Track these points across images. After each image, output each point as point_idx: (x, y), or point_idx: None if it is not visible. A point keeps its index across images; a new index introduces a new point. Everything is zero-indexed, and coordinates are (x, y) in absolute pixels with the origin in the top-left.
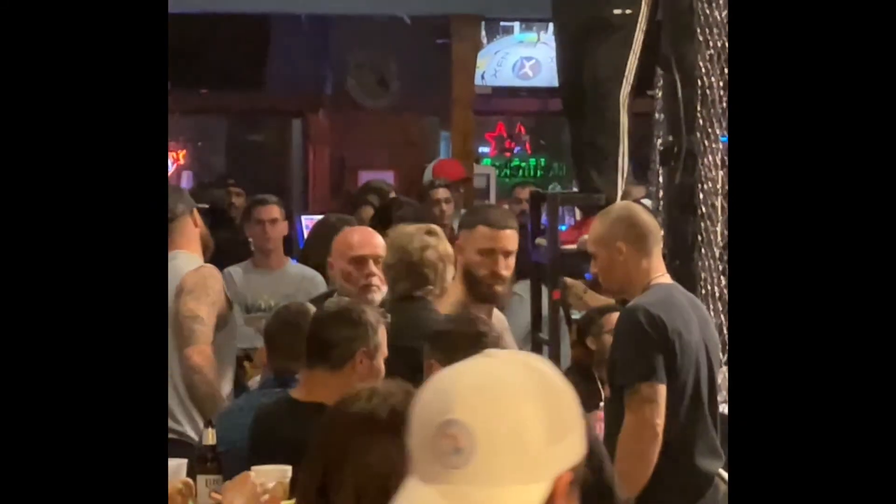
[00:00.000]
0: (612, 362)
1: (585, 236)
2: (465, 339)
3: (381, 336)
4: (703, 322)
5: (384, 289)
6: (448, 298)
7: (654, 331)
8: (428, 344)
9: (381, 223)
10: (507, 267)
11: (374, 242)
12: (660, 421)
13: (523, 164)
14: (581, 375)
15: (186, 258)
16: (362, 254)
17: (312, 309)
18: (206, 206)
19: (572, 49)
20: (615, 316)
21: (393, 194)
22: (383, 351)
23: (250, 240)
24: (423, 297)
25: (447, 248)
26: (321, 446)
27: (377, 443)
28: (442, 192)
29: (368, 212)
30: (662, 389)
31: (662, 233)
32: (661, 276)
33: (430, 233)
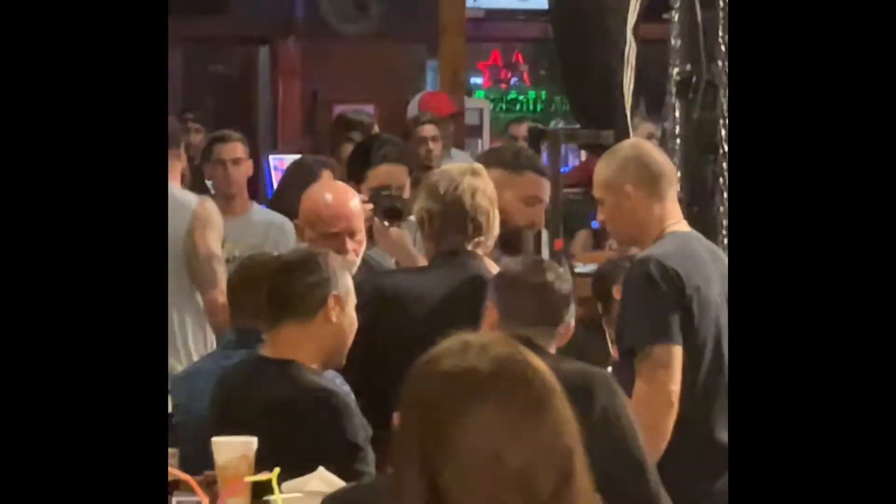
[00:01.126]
0: (620, 321)
1: None
2: (530, 288)
3: (349, 281)
4: (724, 276)
5: (359, 259)
6: None
7: (667, 285)
8: (491, 285)
9: (360, 163)
10: (541, 217)
11: (350, 213)
12: (675, 388)
13: (521, 98)
14: (590, 333)
15: (181, 192)
16: (336, 230)
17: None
18: None
19: None
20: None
21: (375, 129)
22: (353, 298)
23: (209, 182)
24: (473, 250)
25: (493, 190)
26: (419, 407)
27: (481, 401)
28: (429, 129)
29: (348, 150)
30: (678, 352)
31: (679, 174)
32: (677, 223)
33: (475, 173)
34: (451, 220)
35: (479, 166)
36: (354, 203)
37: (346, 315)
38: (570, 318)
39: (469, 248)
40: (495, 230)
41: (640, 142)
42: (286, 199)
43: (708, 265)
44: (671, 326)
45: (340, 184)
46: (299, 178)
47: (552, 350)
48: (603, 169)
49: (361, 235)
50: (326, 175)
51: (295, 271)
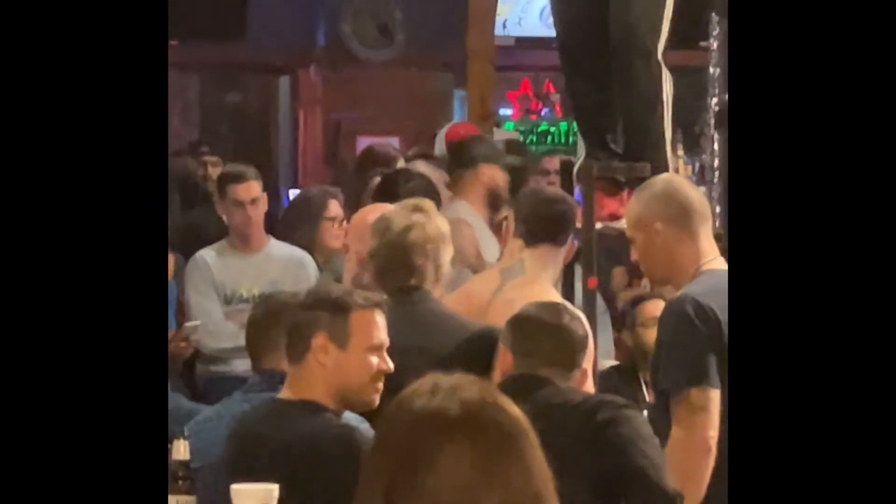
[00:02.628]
0: (655, 363)
1: None
2: (546, 330)
3: (358, 320)
4: None
5: None
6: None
7: (705, 325)
8: (506, 328)
9: (385, 198)
10: None
11: None
12: (713, 433)
13: (552, 129)
14: (622, 377)
15: None
16: None
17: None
18: None
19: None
20: (651, 305)
21: (402, 163)
22: (366, 340)
23: (224, 217)
24: (419, 287)
25: (438, 225)
26: (385, 450)
27: (449, 444)
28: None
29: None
30: (716, 395)
31: (718, 210)
32: (713, 260)
33: (416, 209)
34: (389, 260)
35: (425, 203)
36: None
37: (347, 356)
38: (586, 363)
39: (414, 284)
40: (442, 266)
41: (673, 177)
42: (294, 231)
43: None
44: (709, 368)
45: (384, 206)
46: (306, 209)
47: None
48: (634, 205)
49: None
50: (333, 205)
51: (299, 307)
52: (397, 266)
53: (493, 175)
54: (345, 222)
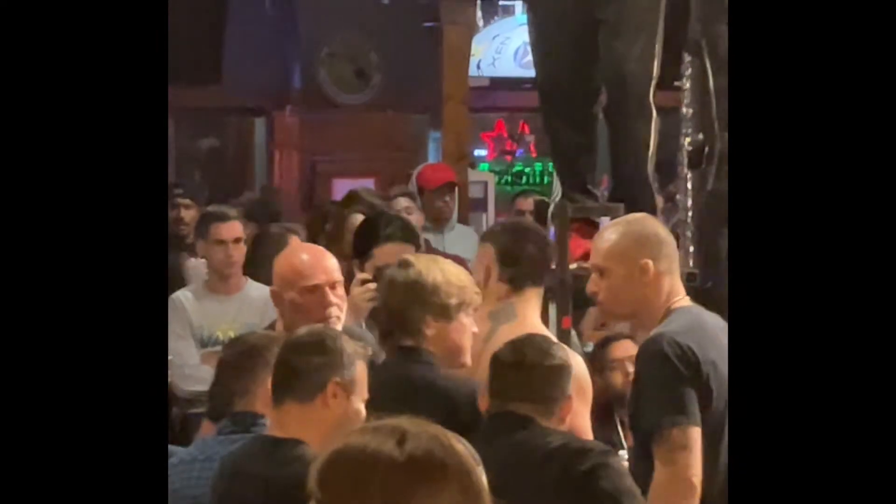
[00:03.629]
0: (634, 404)
1: None
2: (521, 364)
3: (360, 371)
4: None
5: (343, 317)
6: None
7: (683, 364)
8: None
9: (366, 240)
10: None
11: (328, 266)
12: (696, 471)
13: (527, 170)
14: (597, 419)
15: None
16: (316, 283)
17: (276, 336)
18: None
19: (576, 41)
20: (619, 346)
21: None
22: (363, 391)
23: (203, 260)
24: (416, 346)
25: (430, 275)
26: (330, 495)
27: (442, 493)
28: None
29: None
30: (697, 433)
31: (691, 249)
32: (682, 298)
33: (403, 265)
34: (384, 319)
35: (408, 258)
36: (331, 259)
37: (349, 405)
38: (567, 392)
39: (411, 345)
40: (423, 323)
41: (648, 217)
42: (258, 270)
43: (720, 339)
44: (688, 406)
45: (312, 245)
46: (269, 244)
47: (551, 425)
48: (612, 237)
49: (342, 290)
50: (294, 240)
51: (302, 348)
52: (395, 327)
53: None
54: None
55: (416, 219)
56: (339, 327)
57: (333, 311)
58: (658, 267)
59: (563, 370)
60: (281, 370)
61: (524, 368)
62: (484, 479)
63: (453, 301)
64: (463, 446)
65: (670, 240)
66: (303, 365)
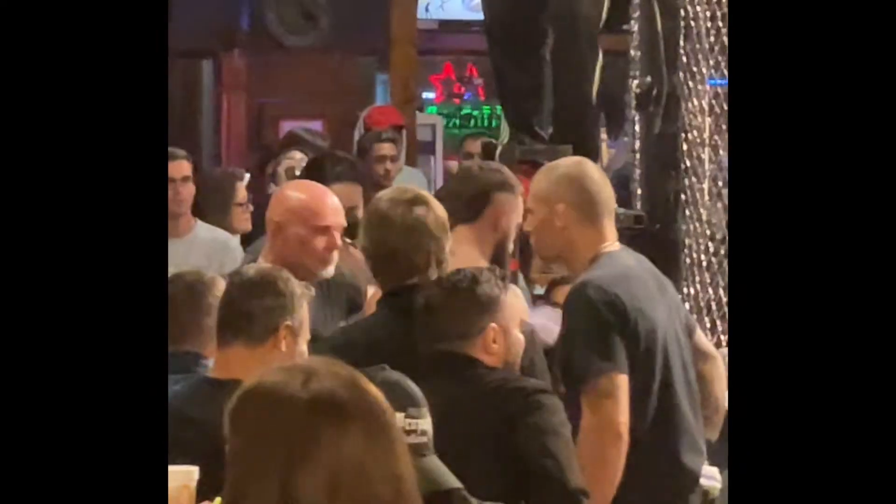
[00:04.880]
0: (562, 351)
1: None
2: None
3: (306, 312)
4: (667, 293)
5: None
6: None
7: (609, 311)
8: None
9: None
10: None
11: (339, 208)
12: (622, 418)
13: (475, 113)
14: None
15: None
16: (328, 223)
17: (214, 277)
18: None
19: None
20: (562, 290)
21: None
22: (307, 332)
23: None
24: (418, 284)
25: (439, 216)
26: (271, 438)
27: (336, 426)
28: (387, 148)
29: (292, 167)
30: (624, 381)
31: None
32: (611, 244)
33: (415, 201)
34: (389, 258)
35: (421, 193)
36: (338, 203)
37: (297, 347)
38: (496, 322)
39: (414, 283)
40: (443, 261)
41: (583, 161)
42: (206, 215)
43: (649, 285)
44: (615, 354)
45: (319, 184)
46: (214, 192)
47: (484, 359)
48: (540, 181)
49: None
50: (241, 187)
51: (254, 289)
52: (398, 264)
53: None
54: (249, 205)
55: (398, 165)
56: (332, 270)
57: (336, 254)
58: (576, 213)
59: (489, 301)
60: (230, 311)
61: (449, 305)
62: (396, 422)
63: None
64: (375, 389)
65: (597, 187)
66: (255, 306)
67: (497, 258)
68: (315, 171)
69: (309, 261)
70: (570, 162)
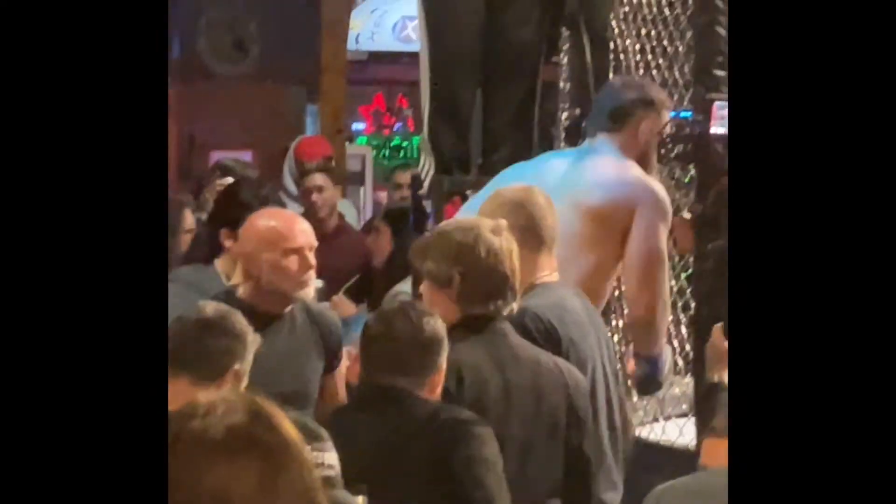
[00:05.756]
0: None
1: None
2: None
3: (251, 359)
4: (600, 333)
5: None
6: None
7: (544, 339)
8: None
9: (238, 210)
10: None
11: (307, 228)
12: None
13: (405, 144)
14: None
15: None
16: (299, 245)
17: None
18: None
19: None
20: None
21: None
22: (246, 378)
23: None
24: (499, 315)
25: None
26: (173, 471)
27: (211, 467)
28: (319, 178)
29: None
30: None
31: None
32: (549, 274)
33: (494, 231)
34: (482, 285)
35: (500, 222)
36: (307, 223)
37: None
38: (439, 364)
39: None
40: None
41: (531, 188)
42: None
43: (581, 316)
44: None
45: (284, 210)
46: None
47: (423, 395)
48: (486, 205)
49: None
50: (188, 215)
51: (209, 328)
52: (489, 291)
53: None
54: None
55: (331, 195)
56: (311, 292)
57: (312, 273)
58: (519, 237)
59: (433, 342)
60: (182, 346)
61: (394, 340)
62: (306, 455)
63: None
64: (287, 423)
65: (546, 212)
66: (210, 346)
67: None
68: (237, 197)
69: (286, 284)
70: (518, 187)
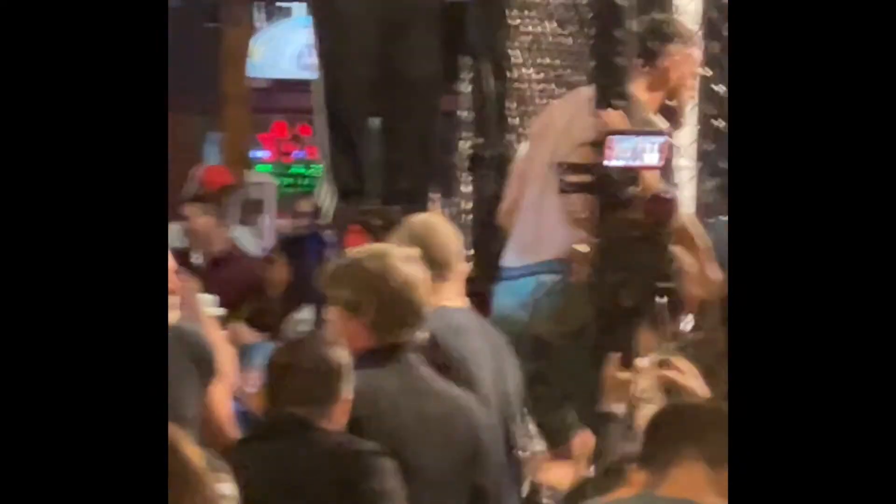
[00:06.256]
0: None
1: None
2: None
3: None
4: (498, 347)
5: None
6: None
7: (430, 359)
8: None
9: None
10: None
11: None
12: None
13: (306, 172)
14: None
15: None
16: None
17: None
18: None
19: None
20: None
21: None
22: None
23: None
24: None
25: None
26: None
27: None
28: (191, 207)
29: None
30: None
31: (471, 252)
32: (453, 300)
33: (407, 259)
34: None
35: (410, 251)
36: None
37: None
38: (343, 394)
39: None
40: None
41: (433, 218)
42: None
43: (475, 338)
44: None
45: None
46: None
47: (328, 426)
48: (394, 236)
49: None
50: None
51: None
52: (401, 320)
53: None
54: None
55: (204, 222)
56: (177, 316)
57: (177, 299)
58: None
59: (336, 372)
60: None
61: (298, 370)
62: (217, 488)
63: None
64: (190, 449)
65: (445, 245)
66: None
67: (668, 111)
68: None
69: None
70: (420, 220)
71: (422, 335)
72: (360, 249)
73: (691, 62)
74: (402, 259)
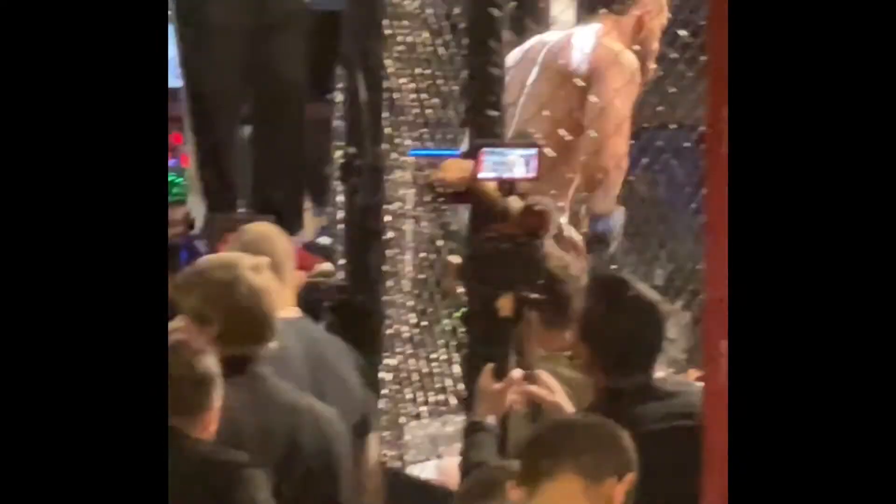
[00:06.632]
0: None
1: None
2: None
3: None
4: (336, 358)
5: None
6: None
7: None
8: None
9: None
10: None
11: None
12: None
13: (178, 181)
14: None
15: None
16: None
17: None
18: None
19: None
20: None
21: None
22: None
23: None
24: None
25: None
26: None
27: None
28: None
29: None
30: None
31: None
32: (286, 311)
33: (255, 269)
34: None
35: (258, 259)
36: None
37: None
38: (212, 404)
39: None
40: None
41: (267, 227)
42: None
43: (315, 348)
44: None
45: None
46: None
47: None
48: (233, 244)
49: None
50: None
51: None
52: (250, 331)
53: None
54: None
55: None
56: None
57: None
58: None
59: (207, 381)
60: None
61: (168, 380)
62: None
63: None
64: None
65: (283, 249)
66: None
67: (640, 56)
68: None
69: None
70: (254, 227)
71: (273, 346)
72: (211, 258)
73: (662, 10)
74: (251, 268)
